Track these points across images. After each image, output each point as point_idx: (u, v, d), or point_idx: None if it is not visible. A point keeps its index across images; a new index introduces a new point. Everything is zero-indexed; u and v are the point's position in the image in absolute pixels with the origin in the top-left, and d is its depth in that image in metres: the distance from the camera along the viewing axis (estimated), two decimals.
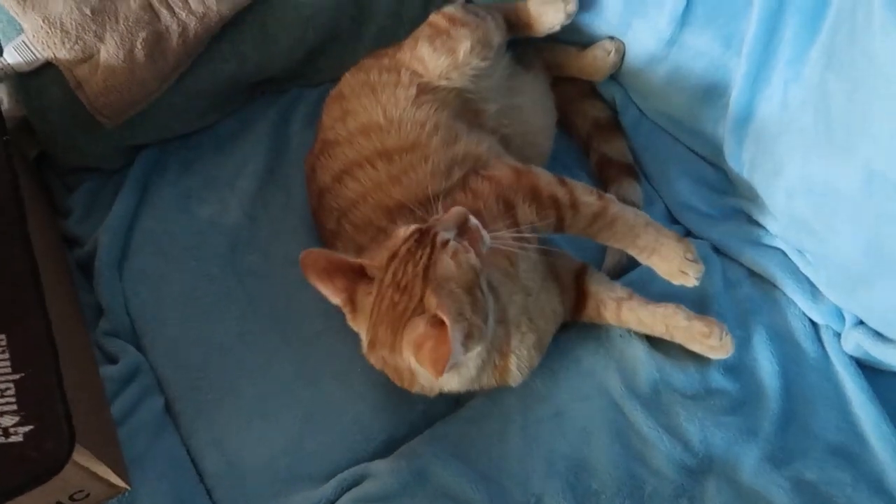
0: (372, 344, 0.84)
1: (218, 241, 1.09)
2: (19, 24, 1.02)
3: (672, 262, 0.94)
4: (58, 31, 1.02)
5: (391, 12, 1.26)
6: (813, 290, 1.05)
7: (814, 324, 1.04)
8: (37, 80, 1.06)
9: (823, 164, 0.93)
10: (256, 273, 1.07)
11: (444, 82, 1.06)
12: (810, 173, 0.96)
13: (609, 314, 0.99)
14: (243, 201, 1.13)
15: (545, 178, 0.97)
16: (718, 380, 0.99)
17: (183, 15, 1.07)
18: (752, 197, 1.13)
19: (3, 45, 1.03)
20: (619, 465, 0.92)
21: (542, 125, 1.19)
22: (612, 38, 1.18)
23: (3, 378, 0.73)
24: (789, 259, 1.08)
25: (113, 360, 0.98)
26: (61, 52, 1.03)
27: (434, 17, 1.11)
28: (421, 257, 0.79)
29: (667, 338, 0.99)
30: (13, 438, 0.70)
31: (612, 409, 0.96)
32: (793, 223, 1.04)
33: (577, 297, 1.01)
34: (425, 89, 1.05)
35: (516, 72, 1.18)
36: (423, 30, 1.10)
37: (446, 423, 0.97)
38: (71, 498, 0.81)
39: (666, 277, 0.95)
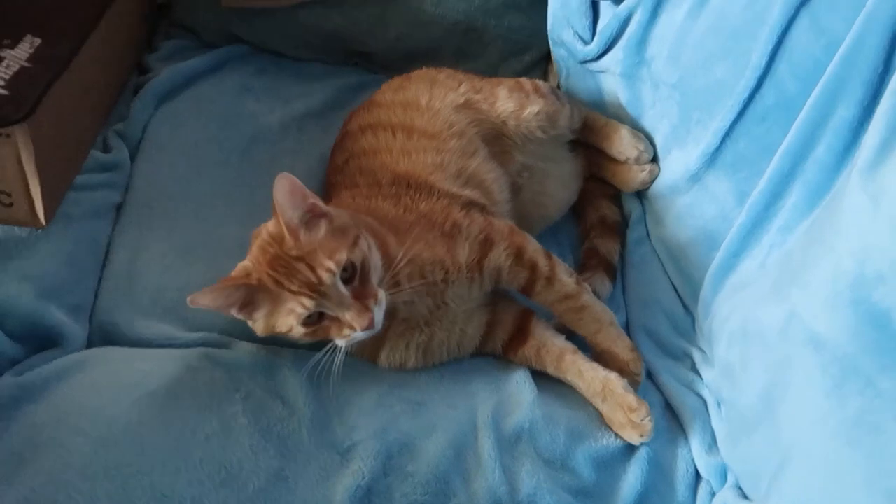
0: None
1: (245, 129, 1.23)
2: None
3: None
4: None
5: (489, 65, 1.43)
6: (711, 446, 1.02)
7: (697, 476, 1.01)
8: None
9: (763, 310, 0.95)
10: (257, 165, 1.18)
11: (494, 118, 1.18)
12: (750, 319, 0.98)
13: (549, 359, 1.03)
14: (285, 117, 1.27)
15: (534, 245, 1.05)
16: (580, 463, 0.96)
17: None
18: (703, 346, 1.14)
19: None
20: (442, 466, 0.90)
21: (558, 197, 1.29)
22: (652, 159, 1.28)
23: (14, 59, 0.85)
24: (706, 410, 1.06)
25: (107, 149, 1.10)
26: None
27: (522, 79, 1.28)
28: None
29: (594, 401, 1.01)
30: None
31: (469, 427, 0.96)
32: (722, 371, 1.04)
33: (516, 335, 1.05)
34: (473, 108, 1.17)
35: (561, 146, 1.29)
36: (509, 81, 1.26)
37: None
38: None
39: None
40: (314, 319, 0.87)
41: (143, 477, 0.78)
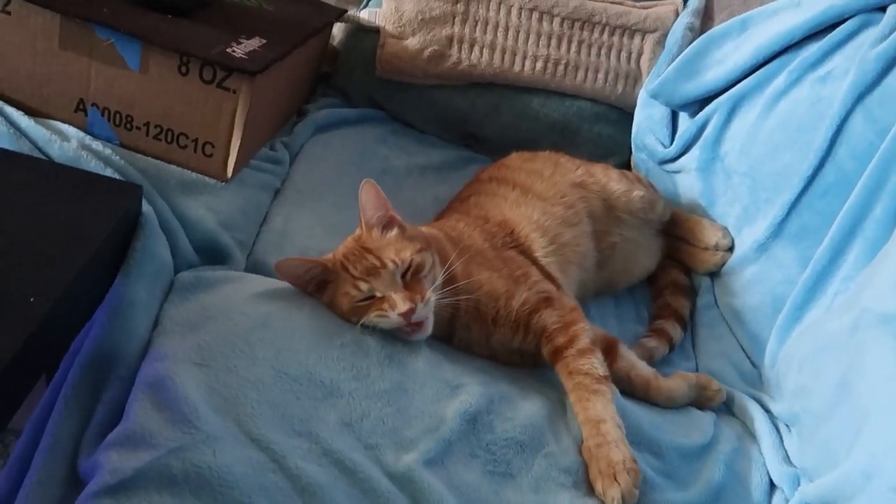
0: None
1: (378, 164, 1.48)
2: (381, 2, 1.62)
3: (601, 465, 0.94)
4: (397, 17, 1.60)
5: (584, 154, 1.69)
6: (785, 458, 1.08)
7: (771, 486, 1.06)
8: (364, 32, 1.62)
9: (831, 327, 1.07)
10: (385, 188, 1.36)
11: (606, 195, 1.39)
12: (820, 339, 1.09)
13: (638, 382, 1.13)
14: (409, 164, 1.54)
15: (586, 326, 1.09)
16: (665, 449, 1.03)
17: (464, 55, 1.60)
18: (772, 390, 1.23)
19: (362, 6, 1.64)
20: (537, 421, 0.96)
21: (643, 266, 1.47)
22: (730, 250, 1.46)
23: (249, 45, 1.13)
24: (779, 434, 1.13)
25: (273, 149, 1.34)
26: (389, 26, 1.59)
27: (627, 171, 1.53)
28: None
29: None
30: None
31: (560, 406, 1.05)
32: (795, 393, 1.13)
33: (606, 351, 1.12)
34: (587, 187, 1.39)
35: (650, 229, 1.48)
36: (617, 170, 1.49)
37: None
38: (202, 146, 1.12)
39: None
40: (365, 300, 0.97)
41: (293, 354, 0.90)
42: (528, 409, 1.00)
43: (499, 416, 0.96)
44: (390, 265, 0.99)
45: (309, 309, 1.00)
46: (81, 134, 1.06)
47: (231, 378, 0.84)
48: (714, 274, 1.48)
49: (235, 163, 1.15)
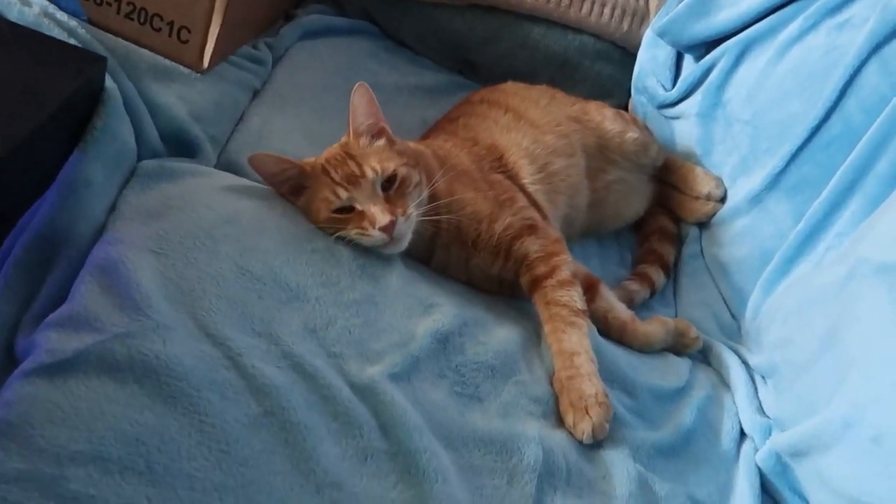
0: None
1: (367, 77, 1.36)
2: None
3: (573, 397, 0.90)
4: None
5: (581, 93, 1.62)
6: (758, 409, 1.06)
7: (742, 435, 1.04)
8: None
9: (821, 280, 1.04)
10: None
11: (601, 133, 1.33)
12: (808, 292, 1.06)
13: (615, 324, 1.09)
14: (399, 82, 1.46)
15: (569, 259, 1.05)
16: (641, 391, 1.00)
17: None
18: (751, 342, 1.20)
19: None
20: (510, 348, 0.93)
21: (634, 209, 1.42)
22: (722, 201, 1.41)
23: None
24: (753, 385, 1.11)
25: (258, 52, 1.26)
26: None
27: (622, 111, 1.46)
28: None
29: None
30: None
31: (535, 336, 1.01)
32: (775, 345, 1.09)
33: (587, 290, 1.07)
34: (582, 122, 1.33)
35: (644, 173, 1.43)
36: (612, 109, 1.43)
37: None
38: (178, 30, 1.04)
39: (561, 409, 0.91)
40: (343, 211, 0.92)
41: (259, 252, 0.84)
42: (501, 335, 0.96)
43: (471, 339, 0.92)
44: (370, 174, 0.93)
45: (281, 210, 0.94)
46: (45, 1, 0.97)
47: (189, 270, 0.78)
48: (703, 224, 1.43)
49: (213, 53, 1.06)
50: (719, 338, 1.24)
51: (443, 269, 1.06)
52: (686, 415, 1.01)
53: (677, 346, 1.15)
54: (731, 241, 1.35)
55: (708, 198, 1.40)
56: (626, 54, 1.66)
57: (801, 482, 0.94)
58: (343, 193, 0.93)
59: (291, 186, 0.97)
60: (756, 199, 1.31)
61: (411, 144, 1.07)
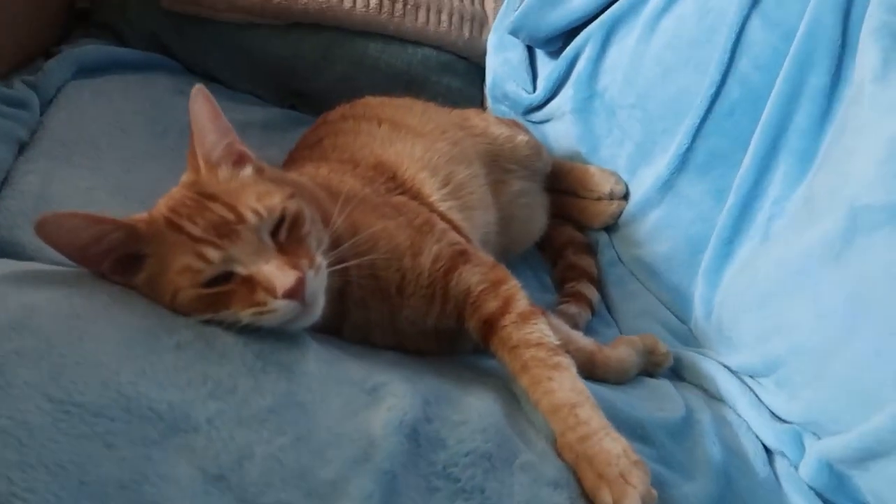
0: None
1: (181, 118, 1.03)
2: None
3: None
4: None
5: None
6: (771, 417, 0.87)
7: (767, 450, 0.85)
8: None
9: (798, 248, 0.89)
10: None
11: (491, 139, 1.12)
12: (784, 268, 0.91)
13: (580, 356, 0.81)
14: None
15: (517, 285, 0.80)
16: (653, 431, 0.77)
17: None
18: (716, 342, 1.03)
19: None
20: (495, 419, 0.65)
21: (540, 224, 1.21)
22: (625, 197, 1.25)
23: None
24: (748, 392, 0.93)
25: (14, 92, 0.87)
26: None
27: (502, 117, 1.28)
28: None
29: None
30: None
31: (509, 394, 0.73)
32: (762, 342, 0.92)
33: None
34: (468, 127, 1.11)
35: (538, 181, 1.23)
36: (490, 114, 1.23)
37: None
38: None
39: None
40: (216, 283, 0.60)
41: (86, 368, 0.48)
42: (477, 406, 0.67)
43: (444, 423, 0.63)
44: (251, 217, 0.62)
45: (107, 295, 0.58)
46: None
47: None
48: (610, 227, 1.27)
49: None
50: (675, 347, 1.06)
51: (362, 335, 0.75)
52: (710, 449, 0.79)
53: (648, 366, 0.95)
54: (648, 238, 1.20)
55: (610, 196, 1.24)
56: (472, 66, 1.50)
57: (869, 493, 0.75)
58: (214, 255, 0.59)
59: (116, 260, 0.61)
60: (666, 186, 1.17)
61: (283, 172, 0.76)
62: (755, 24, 1.11)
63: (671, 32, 1.20)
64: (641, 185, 1.21)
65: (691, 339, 1.09)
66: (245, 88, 1.30)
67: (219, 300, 0.60)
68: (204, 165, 0.65)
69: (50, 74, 0.94)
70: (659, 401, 0.85)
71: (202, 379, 0.52)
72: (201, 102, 0.65)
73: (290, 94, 1.35)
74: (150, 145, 0.93)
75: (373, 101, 1.08)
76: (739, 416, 0.90)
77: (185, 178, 0.67)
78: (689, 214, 1.15)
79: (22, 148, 0.81)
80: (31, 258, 0.65)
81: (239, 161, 0.68)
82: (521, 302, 0.77)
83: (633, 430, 0.75)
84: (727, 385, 0.93)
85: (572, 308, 1.06)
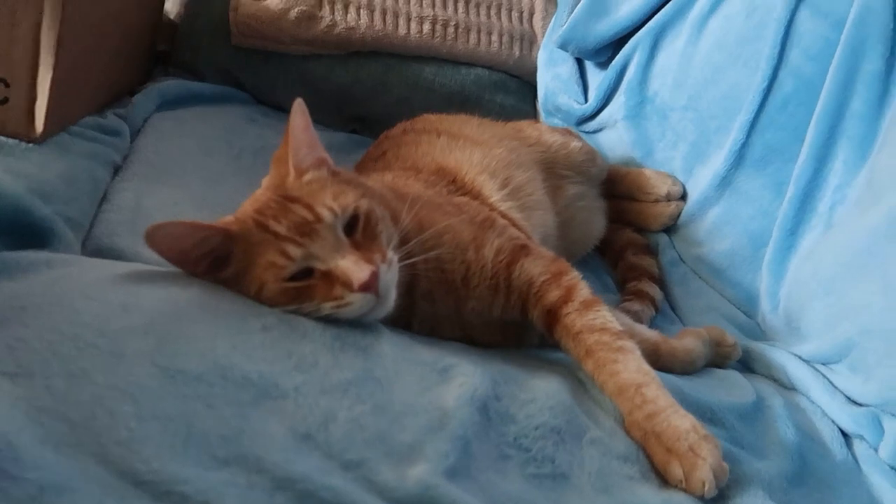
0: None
1: (255, 142, 1.13)
2: None
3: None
4: None
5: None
6: (848, 401, 0.86)
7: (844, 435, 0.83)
8: None
9: (862, 227, 0.88)
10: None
11: (545, 147, 1.15)
12: (849, 252, 0.90)
13: (645, 347, 0.80)
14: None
15: (578, 275, 0.82)
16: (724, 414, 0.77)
17: (338, 16, 1.32)
18: (785, 334, 1.02)
19: None
20: (562, 397, 0.67)
21: (600, 227, 1.23)
22: (683, 198, 1.26)
23: None
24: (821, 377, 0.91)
25: (108, 121, 0.96)
26: None
27: (555, 126, 1.31)
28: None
29: None
30: None
31: (574, 379, 0.75)
32: (832, 327, 0.91)
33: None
34: (521, 137, 1.15)
35: (595, 185, 1.26)
36: (543, 123, 1.27)
37: None
38: None
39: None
40: (298, 277, 0.65)
41: (187, 343, 0.53)
42: (543, 386, 0.69)
43: (513, 401, 0.65)
44: (327, 215, 0.66)
45: (198, 288, 0.63)
46: None
47: (79, 388, 0.46)
48: (670, 228, 1.27)
49: (48, 115, 0.76)
50: (744, 341, 1.05)
51: (430, 328, 0.78)
52: (783, 431, 0.78)
53: (716, 358, 0.94)
54: (709, 236, 1.20)
55: (668, 198, 1.25)
56: (523, 83, 1.54)
57: None
58: (296, 251, 0.64)
59: (212, 262, 0.67)
60: (723, 183, 1.17)
61: (356, 175, 0.81)
62: (803, 15, 1.12)
63: (719, 32, 1.22)
64: (698, 185, 1.22)
65: (759, 333, 1.08)
66: (322, 121, 1.37)
67: (301, 294, 0.64)
68: (293, 171, 0.70)
69: (138, 107, 1.04)
70: (728, 388, 0.85)
71: (287, 354, 0.57)
72: (300, 115, 0.71)
73: (351, 119, 1.42)
74: (227, 165, 1.00)
75: (431, 117, 1.13)
76: (813, 402, 0.88)
77: (268, 181, 0.73)
78: (749, 210, 1.15)
79: (117, 170, 0.90)
80: (129, 261, 0.72)
81: (319, 166, 0.73)
82: (583, 291, 0.79)
83: (702, 413, 0.76)
84: (798, 373, 0.92)
85: (635, 305, 1.07)
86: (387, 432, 0.53)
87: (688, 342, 0.91)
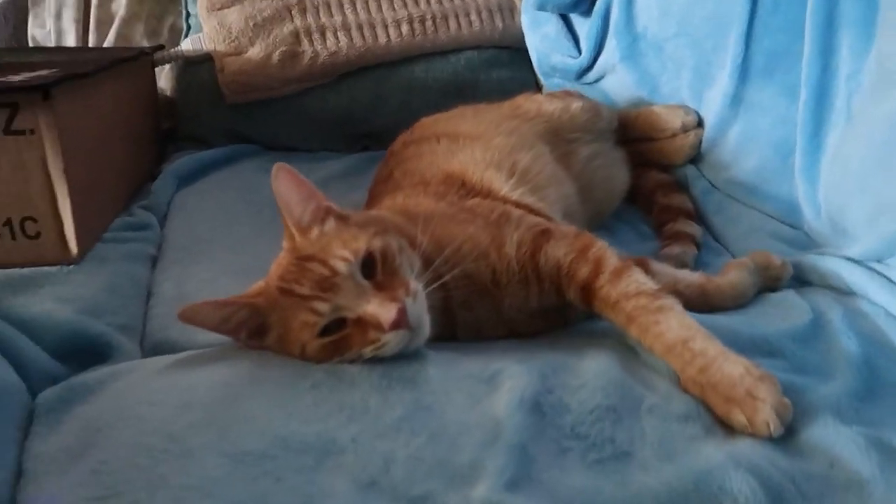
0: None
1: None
2: (201, 26, 1.35)
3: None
4: (225, 32, 1.33)
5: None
6: None
7: None
8: (195, 65, 1.34)
9: (881, 115, 0.85)
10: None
11: (546, 116, 1.15)
12: (871, 133, 0.87)
13: (691, 292, 0.86)
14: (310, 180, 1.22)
15: (603, 244, 0.82)
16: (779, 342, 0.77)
17: (318, 46, 1.35)
18: (832, 237, 1.00)
19: (183, 38, 1.35)
20: (613, 374, 0.69)
21: (623, 180, 1.23)
22: (699, 125, 1.23)
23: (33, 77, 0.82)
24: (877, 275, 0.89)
25: (136, 218, 1.02)
26: (220, 46, 1.32)
27: (550, 91, 1.30)
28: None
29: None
30: None
31: (625, 348, 0.77)
32: (874, 221, 0.89)
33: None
34: (520, 114, 1.15)
35: (608, 138, 1.25)
36: (539, 93, 1.26)
37: None
38: (20, 225, 0.79)
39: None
40: (333, 330, 0.68)
41: (246, 424, 0.58)
42: (593, 367, 0.71)
43: (565, 390, 0.67)
44: (341, 266, 0.69)
45: (249, 362, 0.68)
46: None
47: (161, 495, 0.51)
48: (694, 158, 1.25)
49: (78, 234, 0.82)
50: (795, 255, 1.03)
51: (475, 333, 0.81)
52: (845, 345, 0.77)
53: (767, 282, 0.93)
54: (734, 156, 1.18)
55: (684, 129, 1.23)
56: (514, 52, 1.54)
57: None
58: (323, 307, 0.68)
59: (250, 330, 0.72)
60: (735, 100, 1.15)
61: (365, 213, 0.84)
62: None
63: None
64: (711, 108, 1.20)
65: (808, 242, 1.06)
66: (318, 147, 1.41)
67: (340, 345, 0.68)
68: (297, 232, 0.74)
69: (158, 193, 1.10)
70: (783, 312, 0.84)
71: (339, 407, 0.61)
72: (282, 178, 0.74)
73: (359, 138, 1.45)
74: (250, 226, 1.04)
75: (427, 121, 1.14)
76: (875, 303, 0.87)
77: (285, 244, 0.76)
78: (767, 120, 1.12)
79: (154, 261, 0.96)
80: (185, 347, 0.77)
81: (324, 217, 0.76)
82: (611, 260, 0.79)
83: (759, 347, 0.76)
84: (854, 276, 0.90)
85: (675, 249, 1.06)
86: (446, 459, 0.56)
87: (732, 276, 0.91)
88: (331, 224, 0.75)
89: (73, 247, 0.82)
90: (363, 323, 0.67)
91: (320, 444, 0.56)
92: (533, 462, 0.58)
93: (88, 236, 0.86)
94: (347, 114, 1.40)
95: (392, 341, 0.67)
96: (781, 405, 0.63)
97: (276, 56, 1.32)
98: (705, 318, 0.77)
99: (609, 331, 0.80)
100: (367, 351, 0.67)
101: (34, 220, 0.80)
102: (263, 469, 0.53)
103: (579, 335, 0.82)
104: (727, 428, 0.65)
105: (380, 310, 0.66)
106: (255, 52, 1.32)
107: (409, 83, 1.42)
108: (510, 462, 0.56)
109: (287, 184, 0.74)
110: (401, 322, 0.66)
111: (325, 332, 0.68)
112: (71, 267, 0.82)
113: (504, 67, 1.51)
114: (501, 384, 0.67)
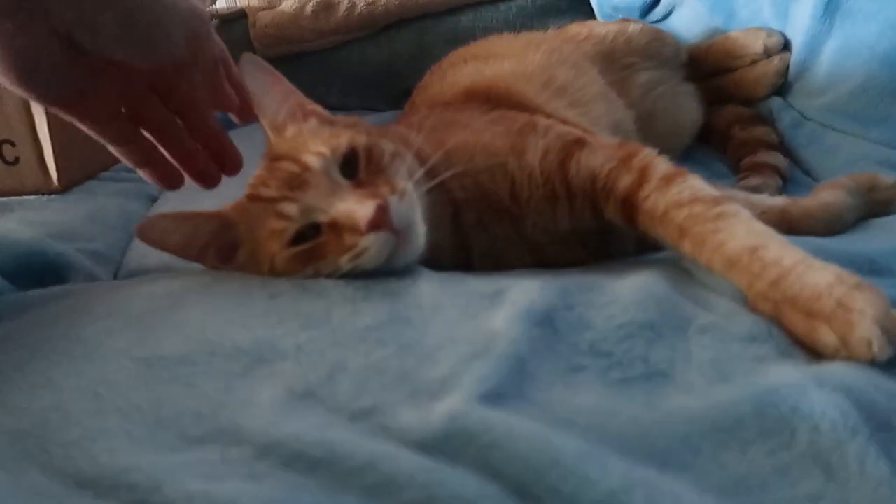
0: None
1: None
2: None
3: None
4: None
5: None
6: None
7: None
8: (229, 23, 1.28)
9: None
10: None
11: (600, 39, 1.02)
12: None
13: (771, 216, 0.68)
14: None
15: (651, 151, 0.66)
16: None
17: None
18: None
19: None
20: (655, 288, 0.54)
21: (692, 112, 1.07)
22: (785, 49, 1.05)
23: None
24: None
25: None
26: (254, 1, 1.26)
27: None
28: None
29: None
30: None
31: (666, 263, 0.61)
32: None
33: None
34: (570, 38, 1.03)
35: (678, 72, 1.10)
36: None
37: None
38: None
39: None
40: (308, 238, 0.57)
41: (173, 330, 0.47)
42: (629, 284, 0.55)
43: (590, 307, 0.52)
44: (314, 161, 0.58)
45: (210, 278, 0.57)
46: None
47: (40, 397, 0.40)
48: (781, 87, 1.06)
49: (59, 162, 0.75)
50: None
51: (494, 262, 0.67)
52: None
53: (873, 206, 0.75)
54: (831, 78, 0.98)
55: (767, 53, 1.05)
56: None
57: None
58: (291, 209, 0.57)
59: (220, 250, 0.61)
60: (830, 8, 0.96)
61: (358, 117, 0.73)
62: None
63: None
64: (799, 25, 1.01)
65: None
66: (356, 105, 1.32)
67: (314, 254, 0.56)
68: (271, 132, 0.64)
69: None
70: (887, 231, 0.66)
71: (293, 315, 0.49)
72: (252, 72, 0.64)
73: (401, 95, 1.33)
74: None
75: (460, 49, 1.02)
76: None
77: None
78: (872, 28, 0.92)
79: (154, 202, 0.88)
80: None
81: (306, 117, 0.66)
82: (661, 166, 0.63)
83: (859, 266, 0.57)
84: None
85: (753, 180, 0.89)
86: (413, 371, 0.43)
87: (825, 196, 0.73)
88: (312, 123, 0.64)
89: (54, 173, 0.75)
90: (338, 226, 0.55)
91: (255, 351, 0.44)
92: (530, 379, 0.43)
93: (73, 166, 0.79)
94: (388, 69, 1.30)
95: (373, 246, 0.54)
96: (887, 317, 0.46)
97: (309, 7, 1.24)
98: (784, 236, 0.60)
99: (664, 260, 0.64)
100: (344, 260, 0.55)
101: (12, 144, 0.73)
102: (174, 373, 0.42)
103: (626, 263, 0.67)
104: (812, 353, 0.49)
105: (355, 206, 0.54)
106: (288, 3, 1.25)
107: (455, 35, 1.31)
108: (495, 373, 0.42)
109: (257, 75, 0.63)
110: (381, 221, 0.53)
111: (298, 241, 0.57)
112: (51, 196, 0.75)
113: (560, 14, 1.37)
114: (507, 297, 0.53)
